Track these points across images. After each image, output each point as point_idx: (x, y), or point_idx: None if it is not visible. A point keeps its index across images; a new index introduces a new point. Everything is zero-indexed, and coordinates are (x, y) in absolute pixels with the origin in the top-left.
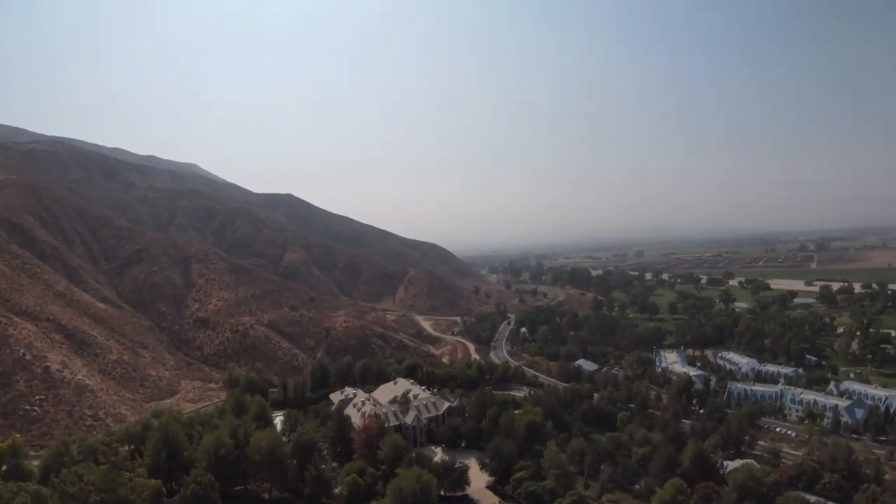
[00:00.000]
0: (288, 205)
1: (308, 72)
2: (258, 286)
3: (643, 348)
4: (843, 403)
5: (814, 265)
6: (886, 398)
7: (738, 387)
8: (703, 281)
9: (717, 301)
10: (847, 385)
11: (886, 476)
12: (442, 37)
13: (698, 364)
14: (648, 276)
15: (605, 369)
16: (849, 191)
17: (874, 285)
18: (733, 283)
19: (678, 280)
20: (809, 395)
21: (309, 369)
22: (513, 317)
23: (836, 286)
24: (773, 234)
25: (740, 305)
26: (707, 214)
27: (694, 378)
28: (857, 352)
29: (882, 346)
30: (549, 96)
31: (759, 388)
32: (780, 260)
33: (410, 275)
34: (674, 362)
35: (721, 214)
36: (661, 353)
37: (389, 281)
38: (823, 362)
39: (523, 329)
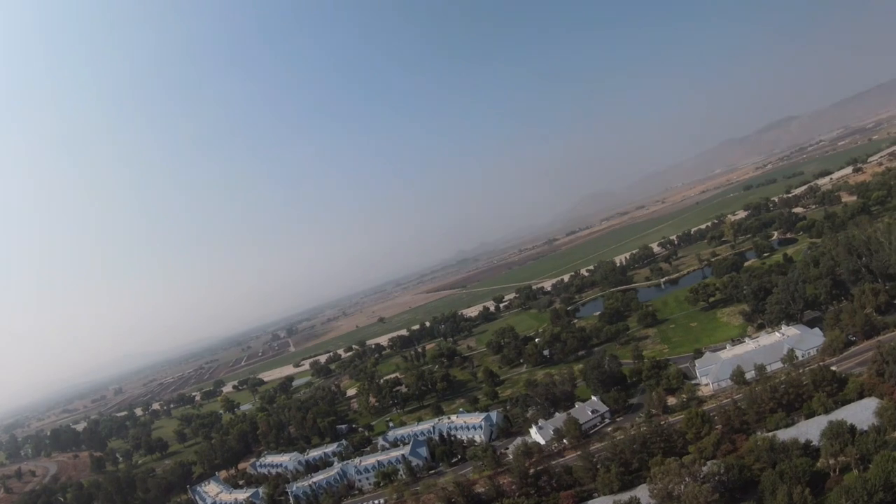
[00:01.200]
0: None
1: None
2: None
3: (177, 493)
4: (406, 451)
5: (292, 348)
6: (433, 428)
7: (298, 487)
8: (198, 397)
9: (223, 411)
10: (392, 433)
11: None
12: None
13: (242, 483)
14: (139, 411)
15: None
16: (301, 279)
17: (354, 346)
18: (228, 389)
19: (172, 405)
20: (370, 459)
21: None
22: None
23: (323, 358)
24: (244, 333)
25: (247, 408)
26: (178, 331)
27: (248, 502)
28: (377, 403)
29: (395, 388)
30: None
31: (319, 477)
32: (260, 354)
33: None
34: (218, 493)
35: (191, 329)
36: (199, 489)
37: None
38: (354, 425)
39: None
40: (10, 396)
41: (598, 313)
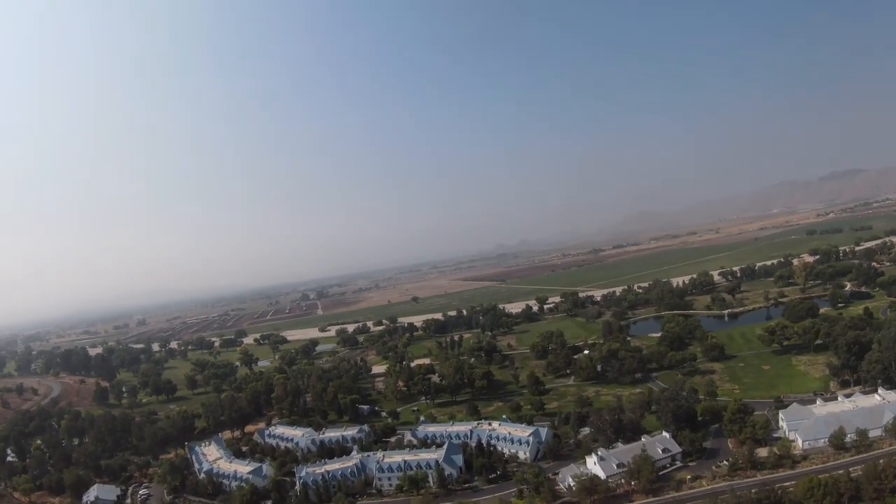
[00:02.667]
0: None
1: None
2: None
3: (174, 446)
4: (438, 456)
5: (320, 311)
6: (470, 432)
7: (308, 473)
8: (217, 344)
9: (239, 364)
10: (422, 429)
11: None
12: None
13: (245, 449)
14: (156, 346)
15: (131, 490)
16: (336, 244)
17: (385, 321)
18: (248, 341)
19: (190, 347)
20: (396, 457)
21: None
22: None
23: (351, 327)
24: (274, 288)
25: (264, 365)
26: (212, 274)
27: (250, 477)
28: (406, 388)
29: (428, 376)
30: None
31: (334, 465)
32: (287, 311)
33: None
34: (217, 458)
35: (224, 273)
36: (198, 449)
37: None
38: (378, 407)
39: (9, 450)
40: (39, 309)
41: (654, 334)
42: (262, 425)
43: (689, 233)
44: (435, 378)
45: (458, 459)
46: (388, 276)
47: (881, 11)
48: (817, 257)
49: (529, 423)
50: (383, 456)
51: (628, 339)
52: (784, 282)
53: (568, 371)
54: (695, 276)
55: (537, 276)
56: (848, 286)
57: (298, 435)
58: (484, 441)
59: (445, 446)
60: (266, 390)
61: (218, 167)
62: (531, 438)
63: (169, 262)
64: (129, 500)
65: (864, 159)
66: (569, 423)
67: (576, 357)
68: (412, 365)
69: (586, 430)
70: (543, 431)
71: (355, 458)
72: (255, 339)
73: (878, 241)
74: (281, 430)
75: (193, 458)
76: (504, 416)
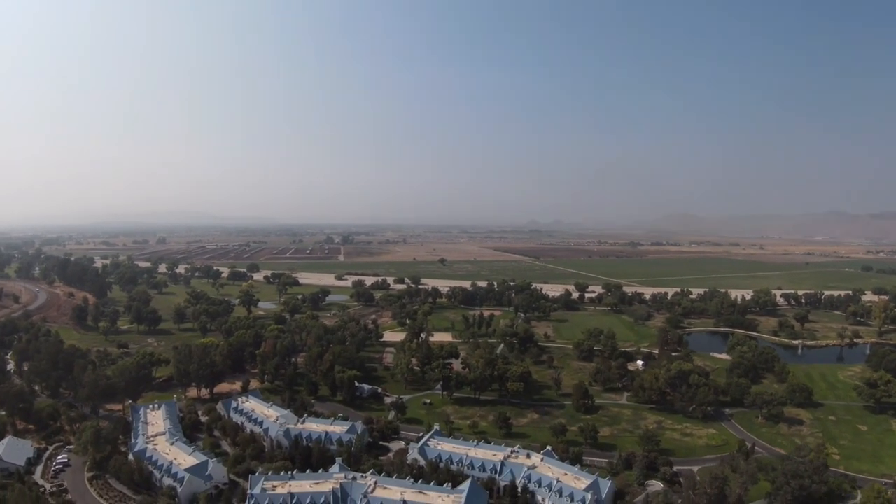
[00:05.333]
0: None
1: None
2: None
3: (119, 400)
4: (454, 498)
5: (341, 257)
6: (501, 464)
7: (265, 491)
8: (225, 275)
9: (238, 303)
10: (434, 446)
11: None
12: None
13: (205, 420)
14: (163, 268)
15: (50, 452)
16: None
17: (407, 280)
18: (259, 277)
19: (196, 274)
20: (393, 492)
21: None
22: None
23: (369, 281)
24: (302, 227)
25: (267, 307)
26: (243, 205)
27: (186, 476)
28: (418, 368)
29: (448, 361)
30: None
31: (304, 484)
32: (308, 251)
33: None
34: (158, 434)
35: (255, 205)
36: (142, 412)
37: None
38: (380, 389)
39: None
40: (70, 215)
41: (716, 354)
42: (237, 386)
43: (732, 243)
44: (457, 365)
45: None
46: (417, 234)
47: None
48: (886, 297)
49: (578, 460)
50: (374, 484)
51: (692, 356)
52: (854, 319)
53: (619, 385)
54: (753, 292)
55: (573, 260)
56: None
57: (271, 418)
58: (520, 483)
59: (466, 488)
60: (254, 342)
61: (264, 100)
62: (589, 496)
63: (205, 186)
64: (46, 457)
65: None
66: (631, 467)
67: (630, 369)
68: (431, 341)
69: (655, 486)
70: (605, 486)
71: (335, 478)
72: (266, 277)
73: None
74: (252, 404)
75: (133, 421)
76: (548, 448)
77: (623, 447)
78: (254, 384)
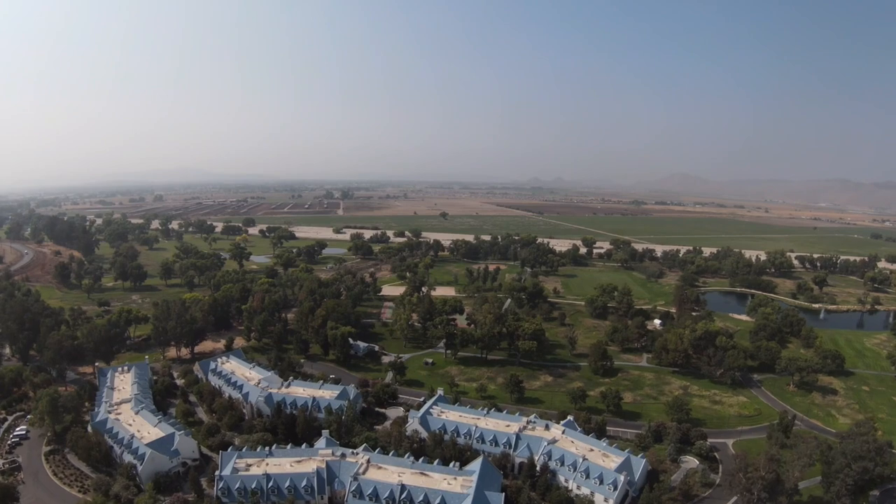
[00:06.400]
0: None
1: None
2: None
3: (91, 362)
4: (465, 488)
5: (340, 212)
6: (516, 437)
7: (236, 471)
8: (219, 229)
9: (229, 257)
10: (437, 414)
11: None
12: None
13: (180, 384)
14: (156, 224)
15: (8, 424)
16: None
17: (408, 233)
18: (254, 231)
19: (190, 229)
20: (390, 472)
21: None
22: None
23: (368, 234)
24: (301, 183)
25: (260, 261)
26: (245, 162)
27: (148, 452)
28: (419, 325)
29: (452, 317)
30: None
31: (284, 463)
32: (307, 206)
33: None
34: (123, 402)
35: (256, 163)
36: (109, 376)
37: None
38: (377, 347)
39: None
40: (69, 175)
41: (735, 315)
42: (221, 345)
43: (737, 205)
44: (462, 321)
45: (498, 500)
46: (419, 189)
47: None
48: None
49: (602, 432)
50: (367, 463)
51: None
52: (873, 285)
53: (638, 345)
54: (767, 253)
55: (578, 217)
56: None
57: (253, 381)
58: (539, 460)
59: (478, 468)
60: (241, 297)
61: (264, 53)
62: (621, 478)
63: (204, 142)
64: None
65: None
66: (660, 440)
67: (650, 329)
68: (433, 295)
69: (690, 462)
70: (638, 465)
71: (321, 454)
72: (261, 231)
73: None
74: (233, 365)
75: (100, 383)
76: (569, 417)
77: (648, 416)
78: (239, 342)
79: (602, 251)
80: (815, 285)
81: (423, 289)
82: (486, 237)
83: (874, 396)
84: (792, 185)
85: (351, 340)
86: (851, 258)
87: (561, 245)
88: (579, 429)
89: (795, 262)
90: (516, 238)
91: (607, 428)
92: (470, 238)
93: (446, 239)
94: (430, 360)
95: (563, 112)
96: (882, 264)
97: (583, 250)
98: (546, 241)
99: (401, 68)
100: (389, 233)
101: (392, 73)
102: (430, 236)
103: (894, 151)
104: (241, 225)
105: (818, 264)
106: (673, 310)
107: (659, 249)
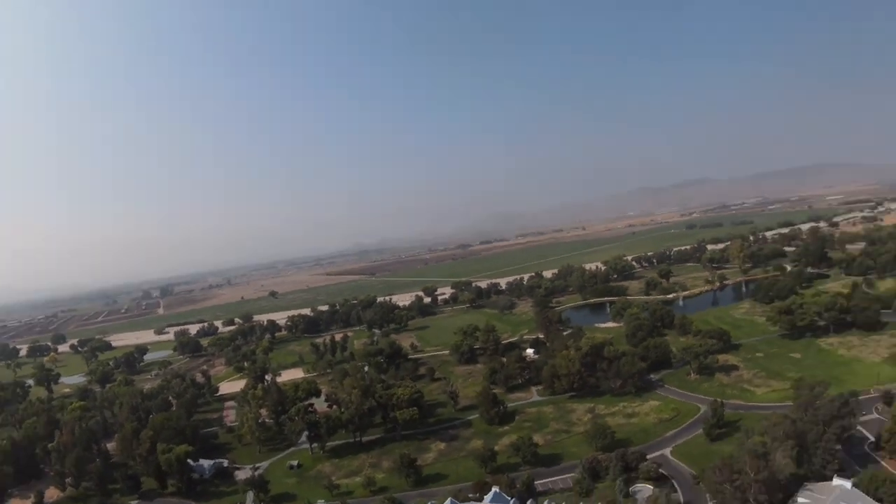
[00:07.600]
0: None
1: None
2: None
3: None
4: None
5: (161, 311)
6: None
7: None
8: (24, 352)
9: (33, 384)
10: None
11: None
12: None
13: None
14: None
15: None
16: (184, 241)
17: (238, 320)
18: (65, 348)
19: None
20: None
21: None
22: None
23: (194, 329)
24: (116, 287)
25: (73, 381)
26: (41, 273)
27: None
28: (271, 421)
29: (310, 403)
30: None
31: None
32: (124, 311)
33: None
34: None
35: (57, 272)
36: None
37: None
38: (226, 462)
39: None
40: None
41: (602, 325)
42: (30, 503)
43: (556, 230)
44: (320, 404)
45: None
46: (242, 274)
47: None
48: (730, 242)
49: (531, 492)
50: None
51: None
52: (711, 266)
53: (521, 381)
54: (604, 262)
55: (410, 270)
56: (789, 268)
57: None
58: None
59: None
60: (48, 433)
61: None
62: None
63: (4, 260)
64: None
65: (711, 170)
66: (600, 477)
67: (529, 360)
68: (280, 381)
69: (644, 489)
70: None
71: None
72: (72, 346)
73: (790, 228)
74: None
75: None
76: (495, 489)
77: (570, 454)
78: (52, 494)
79: (446, 296)
80: (662, 278)
81: (266, 377)
82: (324, 307)
83: (772, 359)
84: (600, 203)
85: (191, 462)
86: (682, 248)
87: (403, 300)
88: (510, 499)
89: (634, 264)
90: (356, 301)
91: (535, 483)
92: (307, 311)
93: (281, 318)
94: (295, 462)
95: (348, 180)
96: (711, 246)
97: (427, 300)
98: (387, 298)
99: (179, 155)
100: (217, 323)
101: (169, 165)
102: (263, 318)
103: (681, 158)
104: (49, 343)
105: (654, 260)
106: (541, 335)
107: (502, 282)
